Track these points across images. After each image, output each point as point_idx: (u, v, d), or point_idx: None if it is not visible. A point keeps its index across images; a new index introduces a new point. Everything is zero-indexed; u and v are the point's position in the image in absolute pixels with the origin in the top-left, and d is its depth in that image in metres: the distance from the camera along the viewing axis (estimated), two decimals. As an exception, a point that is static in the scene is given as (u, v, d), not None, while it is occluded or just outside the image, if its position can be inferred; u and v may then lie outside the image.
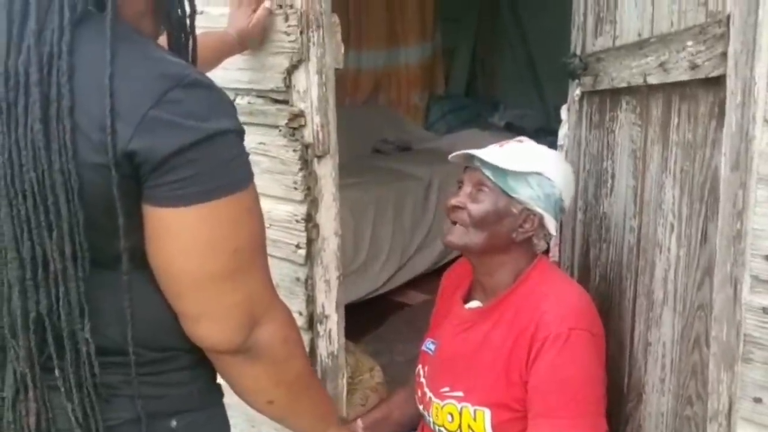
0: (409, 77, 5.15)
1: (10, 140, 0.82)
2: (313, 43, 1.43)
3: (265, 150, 1.52)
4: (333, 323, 1.56)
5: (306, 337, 1.51)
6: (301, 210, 1.49)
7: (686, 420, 1.24)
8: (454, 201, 1.36)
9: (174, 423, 0.96)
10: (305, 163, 1.47)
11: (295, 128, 1.47)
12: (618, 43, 1.43)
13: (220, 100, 0.88)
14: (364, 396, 2.28)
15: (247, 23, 1.44)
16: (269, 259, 0.99)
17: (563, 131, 1.69)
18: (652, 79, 1.27)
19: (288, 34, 1.45)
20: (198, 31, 1.06)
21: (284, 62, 1.46)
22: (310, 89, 1.45)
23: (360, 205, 3.45)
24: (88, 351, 0.88)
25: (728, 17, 1.03)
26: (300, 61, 1.45)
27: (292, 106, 1.48)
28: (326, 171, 1.50)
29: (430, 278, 3.58)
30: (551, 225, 1.36)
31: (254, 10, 1.45)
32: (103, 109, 0.79)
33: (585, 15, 1.56)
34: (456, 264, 1.59)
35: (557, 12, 2.57)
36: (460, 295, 1.47)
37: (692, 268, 1.20)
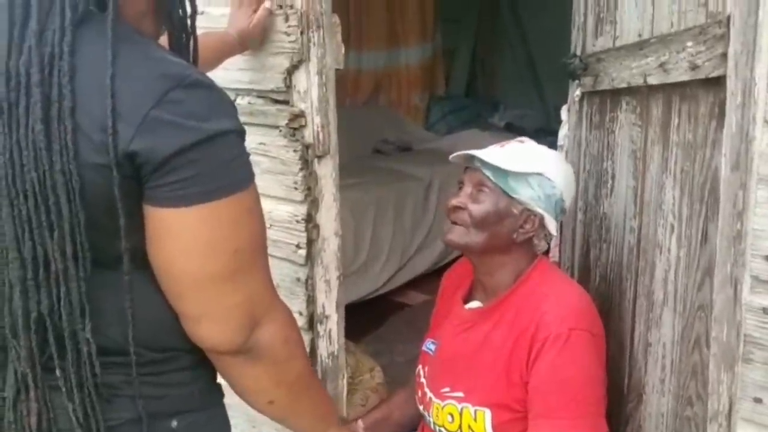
0: (410, 78, 5.15)
1: (11, 141, 0.82)
2: (314, 44, 1.43)
3: (266, 150, 1.52)
4: (333, 323, 1.56)
5: (306, 338, 1.51)
6: (302, 210, 1.49)
7: (686, 420, 1.24)
8: (454, 201, 1.36)
9: (175, 423, 0.96)
10: (305, 164, 1.48)
11: (295, 128, 1.47)
12: (618, 43, 1.43)
13: (221, 101, 0.88)
14: (365, 396, 2.28)
15: (248, 23, 1.44)
16: (269, 260, 0.99)
17: (563, 132, 1.69)
18: (653, 80, 1.27)
19: (288, 35, 1.45)
20: (198, 32, 1.07)
21: (285, 62, 1.46)
22: (311, 89, 1.45)
23: (360, 206, 3.45)
24: (89, 351, 0.88)
25: (728, 18, 1.04)
26: (300, 62, 1.45)
27: (292, 106, 1.49)
28: (326, 171, 1.50)
29: (430, 278, 3.58)
30: (552, 225, 1.36)
31: (255, 11, 1.45)
32: (105, 110, 0.80)
33: (585, 15, 1.56)
34: (456, 264, 1.59)
35: (557, 12, 2.57)
36: (461, 296, 1.47)
37: (692, 268, 1.20)
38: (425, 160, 4.22)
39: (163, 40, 1.02)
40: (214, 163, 0.84)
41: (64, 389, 0.89)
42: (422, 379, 1.47)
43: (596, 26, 1.52)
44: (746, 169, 1.00)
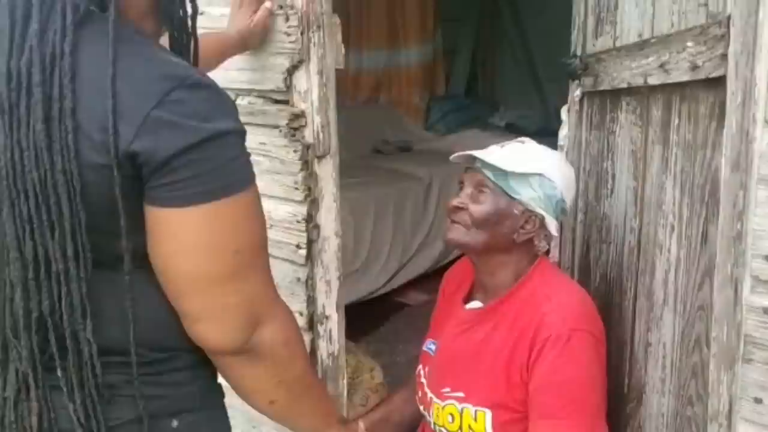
0: (410, 78, 5.16)
1: (12, 140, 0.82)
2: (314, 44, 1.43)
3: (266, 150, 1.52)
4: (333, 323, 1.56)
5: (306, 338, 1.51)
6: (302, 210, 1.50)
7: (687, 420, 1.24)
8: (455, 202, 1.36)
9: (175, 423, 0.96)
10: (306, 164, 1.48)
11: (295, 128, 1.47)
12: (618, 43, 1.43)
13: (221, 101, 0.88)
14: (365, 396, 2.28)
15: (248, 24, 1.44)
16: (270, 260, 0.99)
17: (563, 132, 1.69)
18: (653, 80, 1.27)
19: (289, 35, 1.45)
20: (199, 32, 1.07)
21: (285, 63, 1.46)
22: (311, 89, 1.45)
23: (360, 206, 3.46)
24: (90, 351, 0.88)
25: (728, 18, 1.04)
26: (301, 62, 1.45)
27: (292, 106, 1.49)
28: (327, 171, 1.50)
29: (430, 278, 3.59)
30: (552, 226, 1.36)
31: (255, 11, 1.45)
32: (106, 110, 0.80)
33: (585, 15, 1.56)
34: (457, 264, 1.59)
35: (557, 13, 2.57)
36: (462, 296, 1.47)
37: (693, 268, 1.20)
38: (425, 160, 4.22)
39: (164, 40, 1.02)
40: (215, 164, 0.85)
41: (65, 389, 0.89)
42: (423, 379, 1.47)
43: (596, 26, 1.52)
44: (746, 170, 1.00)
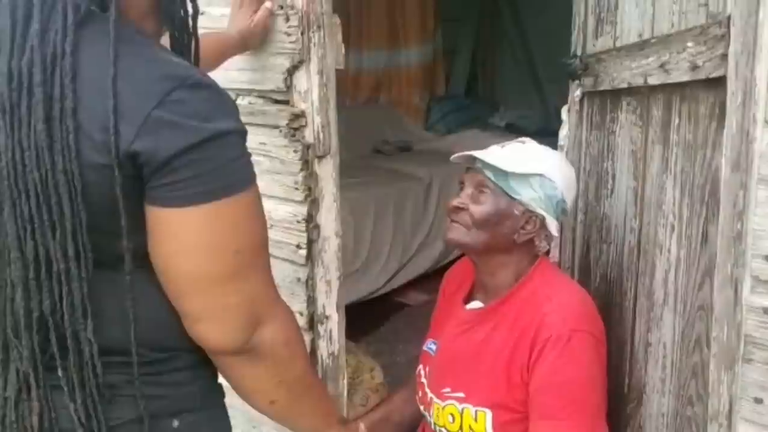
0: (410, 78, 5.17)
1: (13, 140, 0.82)
2: (314, 44, 1.43)
3: (266, 150, 1.52)
4: (334, 323, 1.56)
5: (307, 338, 1.51)
6: (302, 210, 1.50)
7: (687, 420, 1.24)
8: (455, 202, 1.36)
9: (176, 423, 0.96)
10: (306, 164, 1.48)
11: (295, 129, 1.47)
12: (618, 43, 1.43)
13: (222, 101, 0.88)
14: (365, 396, 2.28)
15: (249, 24, 1.44)
16: (270, 260, 0.99)
17: (564, 132, 1.69)
18: (653, 80, 1.27)
19: (289, 35, 1.45)
20: (199, 32, 1.07)
21: (285, 63, 1.47)
22: (311, 90, 1.45)
23: (360, 206, 3.46)
24: (90, 351, 0.88)
25: (729, 18, 1.04)
26: (301, 62, 1.45)
27: (292, 106, 1.49)
28: (327, 171, 1.50)
29: (430, 278, 3.59)
30: (553, 226, 1.36)
31: (255, 11, 1.45)
32: (106, 110, 0.80)
33: (585, 16, 1.56)
34: (458, 264, 1.59)
35: (558, 13, 2.57)
36: (462, 296, 1.47)
37: (693, 268, 1.20)
38: (425, 160, 4.22)
39: (165, 40, 1.02)
40: (216, 164, 0.85)
41: (65, 389, 0.89)
42: (423, 379, 1.47)
43: (596, 26, 1.53)
44: (746, 170, 1.00)
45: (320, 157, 1.49)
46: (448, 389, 1.38)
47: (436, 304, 1.60)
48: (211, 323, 0.92)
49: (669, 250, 1.27)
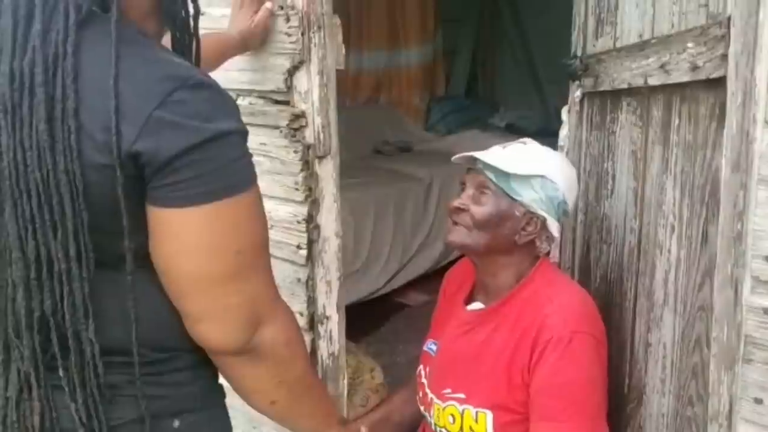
0: (410, 78, 5.17)
1: (15, 140, 0.82)
2: (315, 44, 1.44)
3: (266, 151, 1.52)
4: (334, 324, 1.56)
5: (307, 338, 1.51)
6: (302, 211, 1.50)
7: (687, 421, 1.24)
8: (456, 203, 1.36)
9: (176, 423, 0.96)
10: (306, 164, 1.48)
11: (296, 129, 1.47)
12: (619, 44, 1.43)
13: (224, 102, 0.88)
14: (365, 397, 2.28)
15: (249, 24, 1.44)
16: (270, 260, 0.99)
17: (564, 132, 1.69)
18: (653, 81, 1.27)
19: (289, 35, 1.45)
20: (200, 32, 1.07)
21: (285, 63, 1.47)
22: (312, 90, 1.45)
23: (361, 206, 3.46)
24: (92, 351, 0.88)
25: (729, 19, 1.04)
26: (301, 62, 1.45)
27: (293, 107, 1.49)
28: (327, 172, 1.50)
29: (430, 279, 3.59)
30: (554, 227, 1.36)
31: (256, 12, 1.45)
32: (108, 110, 0.80)
33: (586, 16, 1.57)
34: (458, 264, 1.59)
35: (558, 13, 2.57)
36: (463, 296, 1.47)
37: (693, 269, 1.20)
38: (425, 160, 4.23)
39: (166, 41, 1.03)
40: (217, 164, 0.85)
41: (67, 389, 0.89)
42: (423, 380, 1.47)
43: (597, 27, 1.53)
44: (747, 170, 1.00)
45: (320, 158, 1.49)
46: (448, 390, 1.38)
47: (437, 304, 1.60)
48: (212, 323, 0.92)
49: (669, 251, 1.27)
